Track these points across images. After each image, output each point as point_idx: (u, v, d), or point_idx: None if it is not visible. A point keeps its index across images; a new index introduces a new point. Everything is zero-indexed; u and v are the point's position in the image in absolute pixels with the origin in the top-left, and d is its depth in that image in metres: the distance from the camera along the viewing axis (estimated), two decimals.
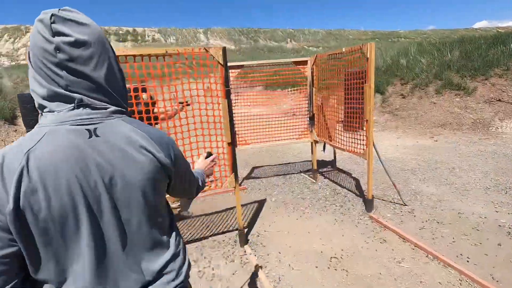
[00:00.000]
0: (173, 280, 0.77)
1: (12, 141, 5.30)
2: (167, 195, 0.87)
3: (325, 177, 4.47)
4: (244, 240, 2.78)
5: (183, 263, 0.82)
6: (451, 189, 3.66)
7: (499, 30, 28.08)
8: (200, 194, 2.90)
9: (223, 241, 2.88)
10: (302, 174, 4.70)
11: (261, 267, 2.41)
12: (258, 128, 4.22)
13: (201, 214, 3.49)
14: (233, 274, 2.37)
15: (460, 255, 2.37)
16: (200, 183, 1.07)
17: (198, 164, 1.30)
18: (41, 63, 0.62)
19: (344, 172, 4.64)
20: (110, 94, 0.70)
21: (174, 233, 0.83)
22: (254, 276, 2.32)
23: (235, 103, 4.11)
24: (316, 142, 4.17)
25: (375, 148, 3.10)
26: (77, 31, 0.63)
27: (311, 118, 4.10)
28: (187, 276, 0.83)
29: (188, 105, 2.72)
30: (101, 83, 0.67)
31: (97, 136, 0.64)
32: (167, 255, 0.78)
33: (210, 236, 2.98)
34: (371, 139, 2.98)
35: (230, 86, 3.79)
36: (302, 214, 3.34)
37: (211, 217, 3.43)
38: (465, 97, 7.10)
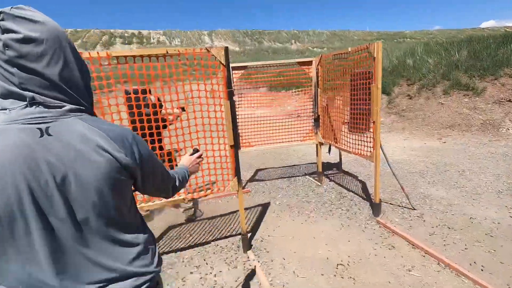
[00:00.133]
0: (142, 275, 0.77)
1: None
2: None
3: (331, 180, 4.37)
4: (247, 245, 2.70)
5: (152, 260, 0.82)
6: (462, 193, 3.53)
7: (507, 29, 27.64)
8: (203, 198, 2.84)
9: (226, 246, 2.81)
10: (307, 176, 4.61)
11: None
12: (262, 130, 4.15)
13: (204, 218, 3.43)
14: (236, 281, 2.30)
15: (474, 263, 2.26)
16: (178, 182, 1.05)
17: (183, 161, 1.29)
18: None
19: (350, 174, 4.54)
20: (66, 91, 0.69)
21: (142, 231, 0.83)
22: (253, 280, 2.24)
23: (238, 104, 4.05)
24: (321, 144, 4.08)
25: (382, 151, 3.00)
26: (28, 28, 0.63)
27: (316, 120, 4.01)
28: (156, 272, 0.83)
29: (183, 110, 2.67)
30: (55, 81, 0.66)
31: (49, 135, 0.64)
32: (134, 252, 0.77)
33: (213, 240, 2.91)
34: (378, 141, 2.88)
35: (233, 87, 3.75)
36: (307, 218, 3.25)
37: (214, 221, 3.36)
38: (474, 97, 6.94)
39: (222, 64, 2.25)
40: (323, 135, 3.99)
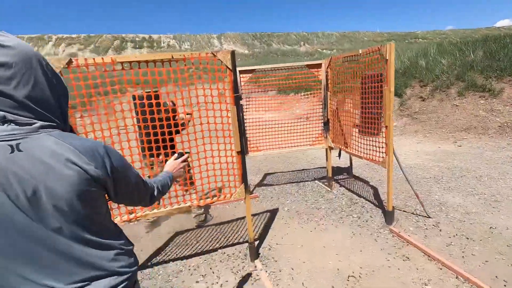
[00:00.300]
0: (121, 274, 0.84)
1: None
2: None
3: (341, 185, 4.25)
4: (254, 254, 2.62)
5: (129, 261, 0.89)
6: (480, 200, 3.36)
7: None
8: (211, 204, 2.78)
9: (233, 254, 2.74)
10: (316, 181, 4.50)
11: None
12: (270, 134, 4.08)
13: (211, 224, 3.37)
14: None
15: (496, 278, 2.12)
16: (156, 192, 1.07)
17: (167, 166, 1.31)
18: None
19: (361, 180, 4.41)
20: (36, 110, 0.73)
21: (117, 235, 0.89)
22: None
23: (246, 108, 3.99)
24: (331, 148, 3.98)
25: (395, 156, 2.88)
26: None
27: (326, 124, 3.91)
28: (133, 272, 0.89)
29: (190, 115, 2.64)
30: (24, 101, 0.70)
31: (19, 150, 0.68)
32: (112, 253, 0.83)
33: (220, 248, 2.85)
34: (391, 147, 2.77)
35: (241, 91, 3.69)
36: (317, 225, 3.15)
37: (221, 227, 3.30)
38: (490, 99, 6.67)
39: (229, 68, 2.20)
40: (333, 139, 3.89)
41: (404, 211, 3.27)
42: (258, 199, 4.01)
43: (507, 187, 3.65)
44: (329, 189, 4.10)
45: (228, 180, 2.50)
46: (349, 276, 2.29)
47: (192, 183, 2.67)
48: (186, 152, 1.47)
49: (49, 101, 0.76)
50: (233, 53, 2.21)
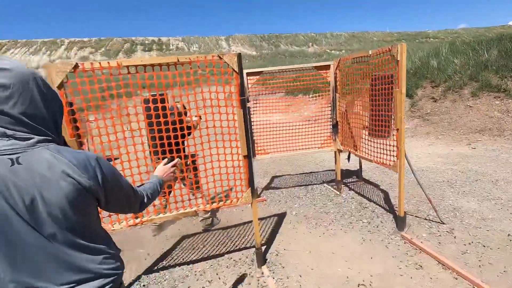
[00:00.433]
0: (107, 277, 0.90)
1: None
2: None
3: (350, 189, 4.16)
4: (261, 259, 2.57)
5: (115, 264, 0.94)
6: (497, 206, 3.23)
7: None
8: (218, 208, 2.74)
9: (240, 259, 2.69)
10: (325, 184, 4.42)
11: None
12: (278, 136, 4.03)
13: (218, 228, 3.34)
14: None
15: None
16: (146, 199, 1.12)
17: (157, 172, 1.36)
18: None
19: (371, 183, 4.31)
20: (33, 126, 0.79)
21: (106, 240, 0.95)
22: None
23: (254, 110, 3.95)
24: (340, 151, 3.90)
25: (407, 160, 2.79)
26: None
27: (335, 126, 3.84)
28: (119, 274, 0.95)
29: (200, 118, 2.61)
30: (21, 118, 0.77)
31: (19, 163, 0.75)
32: (100, 257, 0.89)
33: (226, 253, 2.81)
34: (403, 150, 2.68)
35: (248, 94, 3.65)
36: (325, 230, 3.08)
37: (228, 231, 3.26)
38: (506, 99, 6.45)
39: (235, 71, 2.16)
40: (342, 142, 3.81)
41: (416, 216, 3.17)
42: (265, 203, 3.96)
43: None
44: (338, 193, 4.01)
45: (234, 185, 2.46)
46: (359, 284, 2.22)
47: (198, 187, 2.64)
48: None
49: (44, 117, 0.83)
50: (239, 56, 2.18)
